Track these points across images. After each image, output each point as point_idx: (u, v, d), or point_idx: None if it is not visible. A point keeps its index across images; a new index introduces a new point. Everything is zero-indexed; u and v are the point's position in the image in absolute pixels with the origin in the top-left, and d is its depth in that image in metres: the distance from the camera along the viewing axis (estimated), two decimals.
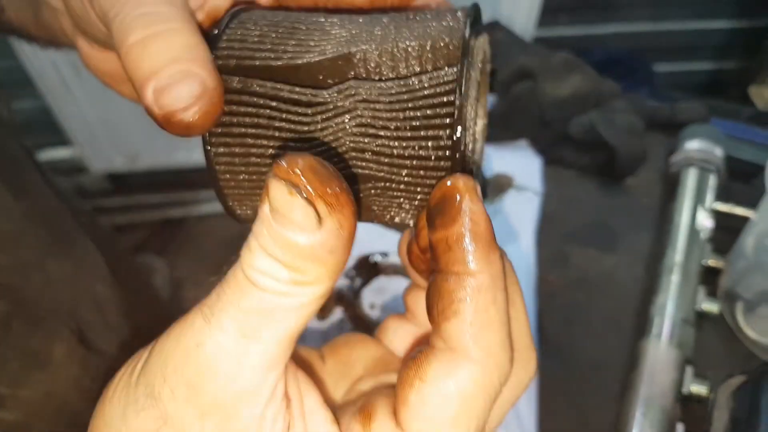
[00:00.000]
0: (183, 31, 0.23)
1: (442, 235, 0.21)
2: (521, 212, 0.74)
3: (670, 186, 0.75)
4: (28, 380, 0.45)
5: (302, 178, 0.19)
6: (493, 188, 0.75)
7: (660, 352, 0.60)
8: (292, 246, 0.19)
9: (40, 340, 0.45)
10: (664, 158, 0.78)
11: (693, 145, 0.75)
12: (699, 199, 0.71)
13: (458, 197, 0.20)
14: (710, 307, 0.64)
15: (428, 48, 0.23)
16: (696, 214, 0.70)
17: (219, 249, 1.90)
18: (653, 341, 0.61)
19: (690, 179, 0.73)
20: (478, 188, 0.21)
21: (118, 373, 0.23)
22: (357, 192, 0.25)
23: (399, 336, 0.29)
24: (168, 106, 0.21)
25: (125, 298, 0.61)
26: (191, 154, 1.74)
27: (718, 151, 0.74)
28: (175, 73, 0.22)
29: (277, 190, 0.19)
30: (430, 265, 0.22)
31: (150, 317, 0.75)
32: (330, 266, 0.20)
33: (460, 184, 0.21)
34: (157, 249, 1.96)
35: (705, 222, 0.70)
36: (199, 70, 0.22)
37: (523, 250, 0.70)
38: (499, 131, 0.77)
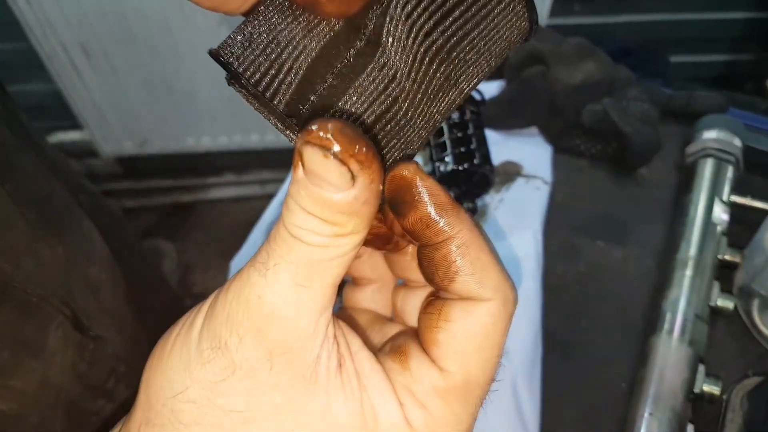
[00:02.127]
0: None
1: (415, 218, 0.24)
2: (529, 201, 0.72)
3: (686, 177, 0.73)
4: (20, 369, 0.43)
5: (333, 141, 0.20)
6: (500, 176, 0.73)
7: (671, 349, 0.58)
8: (330, 204, 0.21)
9: (32, 327, 0.44)
10: (680, 149, 0.76)
11: (710, 135, 0.72)
12: (716, 191, 0.69)
13: (411, 182, 0.24)
14: (725, 303, 0.62)
15: None
16: (712, 206, 0.67)
17: (228, 235, 1.90)
18: (664, 337, 0.59)
19: (707, 170, 0.70)
20: (419, 165, 0.24)
21: (171, 331, 0.24)
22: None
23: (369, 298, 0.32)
24: None
25: (126, 282, 0.60)
26: (201, 138, 1.73)
27: (737, 142, 0.71)
28: None
29: (311, 154, 0.20)
30: (374, 232, 0.26)
31: (156, 301, 0.74)
32: (365, 216, 0.22)
33: (406, 171, 0.24)
34: (166, 234, 1.96)
35: (722, 215, 0.67)
36: None
37: (531, 240, 0.68)
38: (508, 117, 0.75)
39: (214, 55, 0.23)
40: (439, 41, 0.23)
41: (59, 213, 0.52)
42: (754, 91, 1.55)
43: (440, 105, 0.25)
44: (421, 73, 0.23)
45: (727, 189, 0.69)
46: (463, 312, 0.24)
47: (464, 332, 0.23)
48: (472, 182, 0.70)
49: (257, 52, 0.23)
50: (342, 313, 0.32)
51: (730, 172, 0.70)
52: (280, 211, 0.22)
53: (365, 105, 0.23)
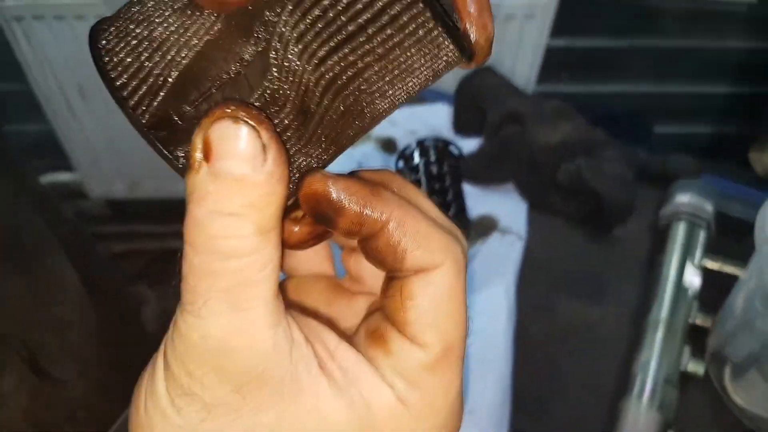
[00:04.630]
0: None
1: (346, 223, 0.23)
2: (504, 256, 0.72)
3: (659, 239, 0.73)
4: None
5: (239, 110, 0.19)
6: (476, 230, 0.74)
7: (640, 414, 0.57)
8: (247, 184, 0.19)
9: None
10: (654, 211, 0.76)
11: (683, 199, 0.73)
12: (688, 254, 0.69)
13: (325, 193, 0.22)
14: (696, 368, 0.61)
15: None
16: (684, 269, 0.68)
17: None
18: (634, 401, 0.58)
19: (679, 233, 0.71)
20: (323, 171, 0.23)
21: (140, 386, 0.23)
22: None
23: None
24: None
25: (100, 323, 0.59)
26: None
27: (709, 207, 0.72)
28: None
29: (220, 127, 0.19)
30: (314, 233, 0.25)
31: (133, 346, 0.72)
32: (281, 200, 0.21)
33: (316, 185, 0.22)
34: (150, 279, 1.94)
35: (693, 278, 0.67)
36: None
37: (503, 296, 0.67)
38: (486, 173, 0.76)
39: (92, 37, 0.22)
40: (335, 70, 0.21)
41: (29, 248, 0.51)
42: (738, 163, 1.58)
43: (345, 133, 0.23)
44: (315, 103, 0.22)
45: (699, 253, 0.69)
46: (423, 284, 0.23)
47: (430, 304, 0.24)
48: None
49: (129, 47, 0.21)
50: (296, 284, 0.31)
51: (702, 236, 0.70)
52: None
53: None
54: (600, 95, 1.59)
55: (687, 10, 1.43)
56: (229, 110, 0.19)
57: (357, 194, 0.23)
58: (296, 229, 0.25)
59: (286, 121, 0.22)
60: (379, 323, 0.25)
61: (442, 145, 0.74)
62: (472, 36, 0.22)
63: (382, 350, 0.24)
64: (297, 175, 0.24)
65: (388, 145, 0.81)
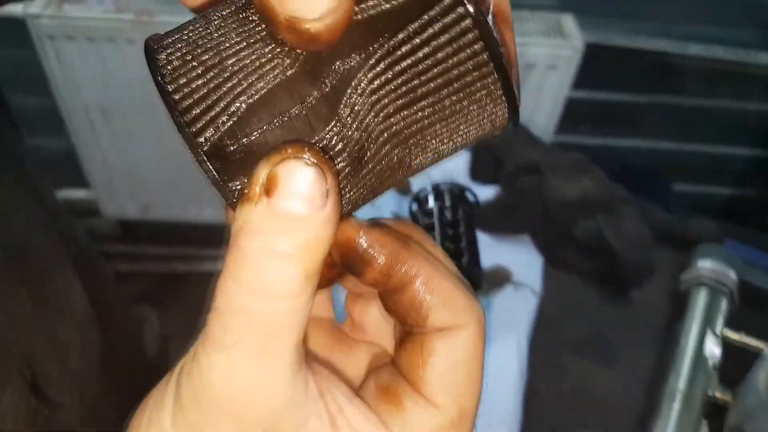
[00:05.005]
0: None
1: (373, 275, 0.23)
2: (516, 311, 0.69)
3: (678, 305, 0.71)
4: None
5: (310, 152, 0.19)
6: (489, 280, 0.71)
7: None
8: (304, 227, 0.19)
9: None
10: (674, 274, 0.74)
11: (705, 264, 0.71)
12: (708, 323, 0.66)
13: (355, 243, 0.23)
14: None
15: None
16: (704, 339, 0.65)
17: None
18: None
19: (700, 300, 0.68)
20: (356, 219, 0.23)
21: (141, 418, 0.22)
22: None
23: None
24: (296, 11, 0.18)
25: (103, 346, 0.57)
26: (203, 210, 1.74)
27: (732, 274, 0.70)
28: None
29: (289, 163, 0.19)
30: (327, 277, 0.25)
31: (133, 370, 0.70)
32: (326, 246, 0.20)
33: (349, 232, 0.23)
34: (153, 302, 1.93)
35: (713, 349, 0.64)
36: None
37: (514, 352, 0.65)
38: (502, 222, 0.74)
39: (149, 50, 0.21)
40: (400, 125, 0.21)
41: (37, 268, 0.50)
42: (757, 227, 1.55)
43: (385, 183, 0.23)
44: (371, 153, 0.22)
45: (720, 322, 0.66)
46: (445, 344, 0.23)
47: (450, 364, 0.23)
48: None
49: (197, 71, 0.20)
50: None
51: (724, 304, 0.68)
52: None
53: None
54: (619, 149, 1.58)
55: (711, 69, 1.43)
56: (301, 150, 0.19)
57: (388, 246, 0.23)
58: None
59: (340, 166, 0.22)
60: (391, 379, 0.24)
61: (457, 191, 0.72)
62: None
63: (394, 407, 0.23)
64: None
65: (402, 187, 0.80)
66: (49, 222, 0.52)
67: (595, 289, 0.74)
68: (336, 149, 0.21)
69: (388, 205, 0.77)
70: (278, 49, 0.20)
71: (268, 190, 0.19)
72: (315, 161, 0.19)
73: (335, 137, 0.21)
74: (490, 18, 0.20)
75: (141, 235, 1.94)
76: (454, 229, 0.69)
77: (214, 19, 0.21)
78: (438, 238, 0.68)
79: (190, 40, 0.21)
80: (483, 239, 0.73)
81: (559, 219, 0.72)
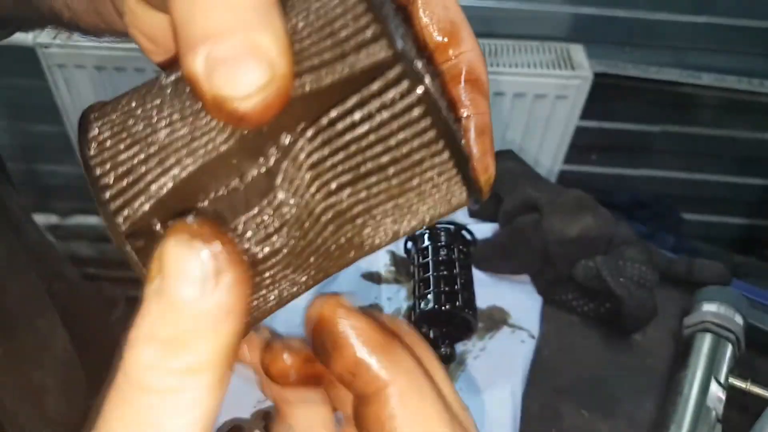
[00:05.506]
0: None
1: (341, 367, 0.20)
2: (512, 354, 0.67)
3: (681, 350, 0.68)
4: None
5: (200, 226, 0.17)
6: (485, 321, 0.70)
7: None
8: (186, 312, 0.16)
9: None
10: (678, 317, 0.72)
11: (710, 308, 0.68)
12: (713, 371, 0.64)
13: (331, 322, 0.20)
14: None
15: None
16: (708, 387, 0.62)
17: None
18: None
19: (704, 346, 0.66)
20: (342, 298, 0.21)
21: None
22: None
23: None
24: (222, 88, 0.17)
25: (86, 386, 0.56)
26: None
27: (739, 319, 0.67)
28: (239, 44, 0.16)
29: (174, 239, 0.16)
30: (303, 373, 0.22)
31: None
32: (228, 338, 0.17)
33: (327, 310, 0.20)
34: None
35: (717, 399, 0.61)
36: (270, 44, 0.16)
37: (509, 400, 0.63)
38: (499, 262, 0.72)
39: (82, 123, 0.20)
40: (345, 203, 0.20)
41: (11, 312, 0.50)
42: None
43: (336, 262, 0.22)
44: (314, 232, 0.20)
45: (725, 369, 0.64)
46: None
47: None
48: (452, 325, 0.66)
49: (123, 145, 0.19)
50: None
51: (729, 351, 0.65)
52: None
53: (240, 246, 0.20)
54: (628, 178, 1.56)
55: (722, 98, 1.41)
56: (190, 224, 0.17)
57: (365, 336, 0.20)
58: (286, 357, 0.22)
59: (278, 245, 0.20)
60: None
61: (454, 229, 0.71)
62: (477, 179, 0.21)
63: None
64: (274, 303, 0.22)
65: None
66: (30, 263, 0.52)
67: (595, 332, 0.72)
68: (273, 227, 0.20)
69: None
70: (213, 123, 0.19)
71: (160, 269, 0.17)
72: (203, 236, 0.17)
73: (272, 214, 0.20)
74: (437, 92, 0.18)
75: None
76: (449, 268, 0.67)
77: (155, 88, 0.21)
78: (432, 279, 0.66)
79: (125, 110, 0.20)
80: (480, 278, 0.72)
81: (558, 259, 0.71)
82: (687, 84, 1.37)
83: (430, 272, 0.67)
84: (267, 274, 0.21)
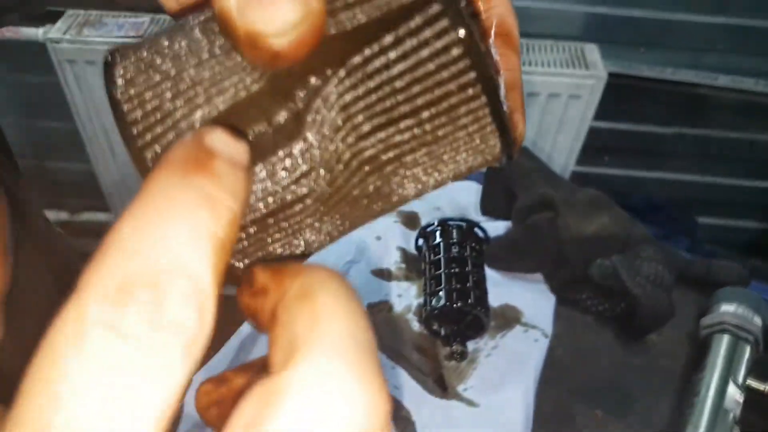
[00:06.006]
0: None
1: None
2: (525, 354, 0.66)
3: (698, 351, 0.67)
4: None
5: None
6: (497, 320, 0.68)
7: None
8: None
9: None
10: (694, 318, 0.70)
11: (728, 309, 0.67)
12: (730, 372, 0.62)
13: None
14: None
15: None
16: (725, 389, 0.61)
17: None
18: None
19: (722, 348, 0.64)
20: None
21: None
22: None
23: None
24: (255, 24, 0.16)
25: None
26: None
27: (757, 320, 0.66)
28: None
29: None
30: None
31: None
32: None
33: None
34: None
35: (735, 400, 0.60)
36: None
37: (521, 400, 0.61)
38: (512, 260, 0.71)
39: (108, 62, 0.19)
40: (375, 149, 0.19)
41: (20, 304, 0.49)
42: None
43: (363, 214, 0.21)
44: (342, 178, 0.19)
45: (743, 371, 0.62)
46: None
47: None
48: (464, 323, 0.65)
49: (152, 82, 0.19)
50: None
51: (747, 352, 0.64)
52: None
53: (265, 192, 0.19)
54: (642, 180, 1.54)
55: (739, 101, 1.39)
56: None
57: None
58: None
59: (306, 190, 0.19)
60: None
61: (466, 227, 0.70)
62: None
63: None
64: (300, 250, 0.21)
65: (410, 221, 0.78)
66: (39, 255, 0.51)
67: (610, 332, 0.70)
68: (301, 170, 0.19)
69: (394, 239, 0.75)
70: (243, 63, 0.18)
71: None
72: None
73: (300, 157, 0.19)
74: (477, 33, 0.18)
75: None
76: (461, 266, 0.66)
77: (182, 29, 0.20)
78: (443, 276, 0.65)
79: (152, 49, 0.20)
80: (492, 277, 0.70)
81: (573, 258, 0.69)
82: (703, 85, 1.35)
83: (442, 269, 0.66)
84: (293, 220, 0.20)
